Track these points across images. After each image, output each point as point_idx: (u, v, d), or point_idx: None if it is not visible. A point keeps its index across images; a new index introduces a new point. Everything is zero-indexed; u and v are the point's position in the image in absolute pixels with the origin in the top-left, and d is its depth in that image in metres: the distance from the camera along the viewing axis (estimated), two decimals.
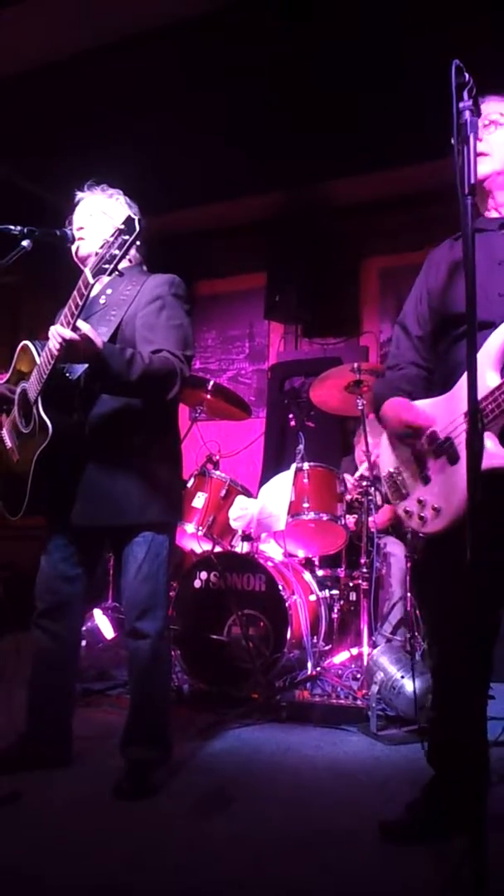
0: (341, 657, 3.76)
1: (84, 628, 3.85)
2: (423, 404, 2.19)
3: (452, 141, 2.14)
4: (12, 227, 2.55)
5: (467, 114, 1.79)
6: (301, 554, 4.10)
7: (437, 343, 2.26)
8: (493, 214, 2.21)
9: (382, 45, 3.72)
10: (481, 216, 2.25)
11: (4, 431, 2.70)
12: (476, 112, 1.82)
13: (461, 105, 1.79)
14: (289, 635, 3.46)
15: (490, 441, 1.94)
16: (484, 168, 2.12)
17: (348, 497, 3.95)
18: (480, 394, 1.97)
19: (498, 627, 2.14)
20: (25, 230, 2.56)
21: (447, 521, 2.05)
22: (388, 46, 3.71)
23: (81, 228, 2.65)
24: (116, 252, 2.16)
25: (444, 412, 2.10)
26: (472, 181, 1.77)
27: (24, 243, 2.56)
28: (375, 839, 2.08)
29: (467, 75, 1.79)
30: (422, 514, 2.14)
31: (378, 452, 2.43)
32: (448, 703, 2.19)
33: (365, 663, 3.42)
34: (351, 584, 3.87)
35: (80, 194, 2.72)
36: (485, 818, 1.56)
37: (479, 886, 1.51)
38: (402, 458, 2.22)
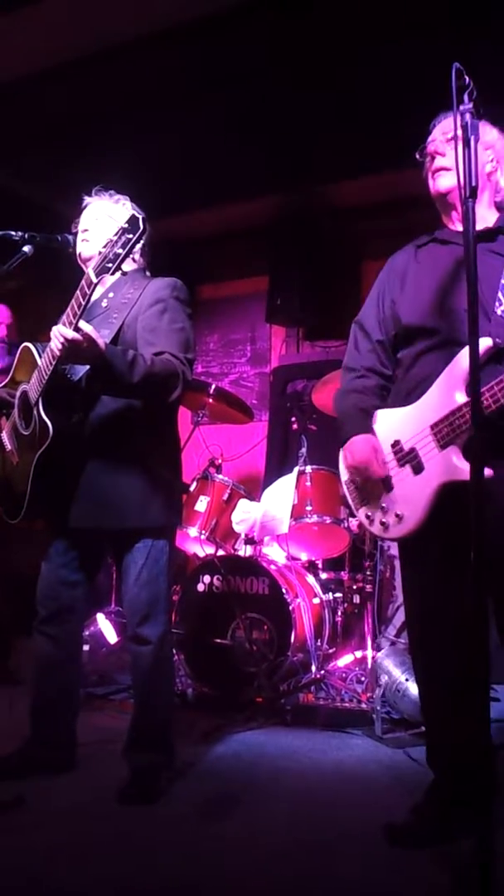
0: (345, 660, 3.75)
1: (87, 633, 3.86)
2: (389, 415, 2.22)
3: (417, 156, 2.20)
4: (14, 233, 2.56)
5: (468, 116, 1.80)
6: (304, 557, 4.09)
7: (396, 350, 2.27)
8: (459, 227, 2.20)
9: (384, 46, 3.72)
10: (445, 228, 2.27)
11: (4, 434, 2.70)
12: (476, 114, 1.82)
13: (461, 108, 1.80)
14: (292, 638, 3.45)
15: (454, 455, 2.00)
16: (444, 182, 2.17)
17: None
18: (447, 409, 2.01)
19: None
20: (27, 236, 2.56)
21: (410, 528, 2.10)
22: (389, 47, 3.71)
23: (86, 231, 2.64)
24: (120, 251, 2.16)
25: (410, 423, 2.13)
26: (473, 184, 1.77)
27: (26, 249, 2.56)
28: (381, 842, 2.07)
29: (467, 78, 1.80)
30: (384, 520, 2.18)
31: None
32: (437, 705, 2.20)
33: (369, 666, 3.42)
34: (354, 587, 3.86)
35: (87, 199, 2.72)
36: (491, 820, 1.55)
37: (486, 889, 1.51)
38: None
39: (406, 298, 2.23)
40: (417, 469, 2.09)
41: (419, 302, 2.18)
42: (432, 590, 2.14)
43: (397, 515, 2.13)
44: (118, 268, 2.18)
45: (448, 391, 2.03)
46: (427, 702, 2.28)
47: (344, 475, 2.36)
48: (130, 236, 2.15)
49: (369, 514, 2.23)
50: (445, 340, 2.09)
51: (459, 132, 1.81)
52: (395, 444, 2.16)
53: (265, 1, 3.48)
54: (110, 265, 2.17)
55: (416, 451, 2.09)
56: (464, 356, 1.96)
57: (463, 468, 1.95)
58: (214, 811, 2.36)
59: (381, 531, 2.19)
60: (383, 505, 2.18)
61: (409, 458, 2.12)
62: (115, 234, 2.17)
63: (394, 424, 2.18)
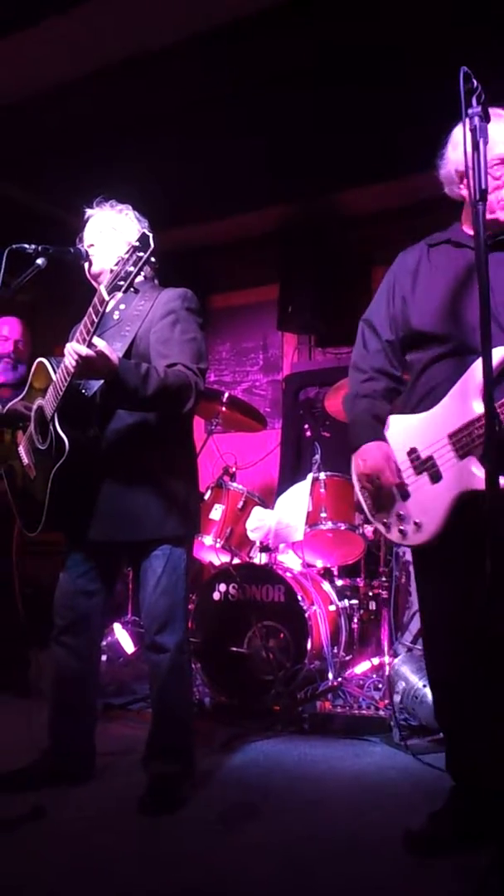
0: (362, 667, 3.74)
1: (104, 643, 3.86)
2: (403, 421, 2.19)
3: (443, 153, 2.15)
4: (27, 246, 2.57)
5: (476, 120, 1.80)
6: (320, 564, 4.09)
7: (406, 351, 2.25)
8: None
9: (389, 53, 3.73)
10: (460, 229, 2.22)
11: (21, 448, 2.72)
12: (485, 118, 1.82)
13: (470, 111, 1.80)
14: (309, 646, 3.44)
15: (473, 465, 1.99)
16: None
17: None
18: (466, 419, 1.99)
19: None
20: (40, 248, 2.58)
21: (428, 536, 2.09)
22: (395, 54, 3.72)
23: (92, 245, 2.66)
24: (131, 269, 2.17)
25: (427, 431, 2.11)
26: (483, 186, 1.77)
27: (39, 261, 2.57)
28: (400, 850, 2.06)
29: (475, 81, 1.80)
30: (402, 528, 2.16)
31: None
32: (449, 714, 2.19)
33: (386, 673, 3.41)
34: (370, 594, 3.85)
35: (89, 211, 2.73)
36: None
37: None
38: None
39: (417, 301, 2.19)
40: (435, 478, 2.07)
41: (431, 307, 2.14)
42: (447, 598, 2.13)
43: (416, 524, 2.11)
44: (130, 285, 2.19)
45: (465, 400, 2.01)
46: (439, 709, 2.29)
47: (357, 482, 2.35)
48: (142, 254, 2.16)
49: (386, 520, 2.21)
50: (458, 348, 2.06)
51: (468, 136, 1.81)
52: (412, 451, 2.13)
53: (270, 11, 3.50)
54: (122, 283, 2.18)
55: (434, 460, 2.07)
56: (480, 365, 1.95)
57: (482, 478, 1.92)
58: (233, 819, 2.35)
59: (400, 538, 2.17)
60: (400, 513, 2.16)
61: (426, 467, 2.10)
62: (127, 253, 2.18)
63: (409, 431, 2.16)
